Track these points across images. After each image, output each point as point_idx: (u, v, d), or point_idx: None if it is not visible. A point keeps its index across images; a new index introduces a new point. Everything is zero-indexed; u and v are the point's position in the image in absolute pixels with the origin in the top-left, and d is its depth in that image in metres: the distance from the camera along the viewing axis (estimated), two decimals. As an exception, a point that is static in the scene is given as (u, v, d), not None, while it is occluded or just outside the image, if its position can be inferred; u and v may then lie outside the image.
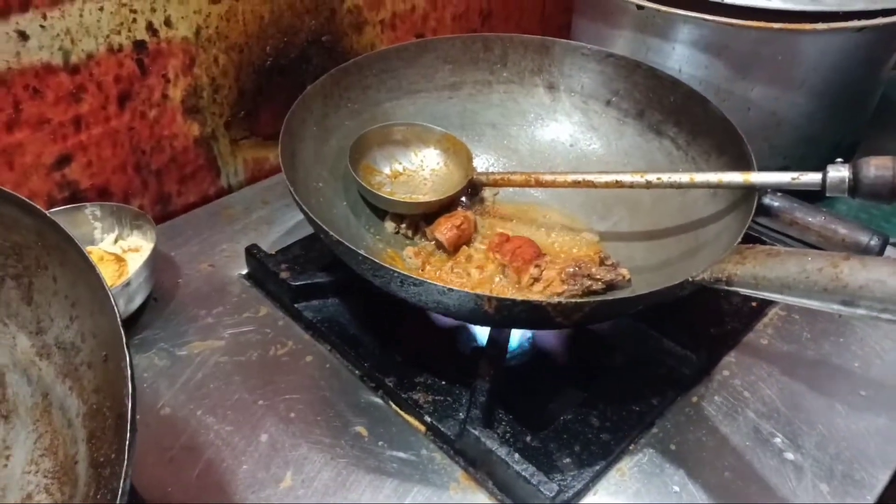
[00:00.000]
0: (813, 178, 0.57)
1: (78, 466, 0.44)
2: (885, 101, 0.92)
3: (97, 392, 0.44)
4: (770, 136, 0.84)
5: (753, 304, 0.68)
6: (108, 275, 0.65)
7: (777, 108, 0.82)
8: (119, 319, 0.39)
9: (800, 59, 0.79)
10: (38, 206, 0.43)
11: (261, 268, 0.68)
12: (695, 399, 0.59)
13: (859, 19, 0.75)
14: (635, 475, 0.53)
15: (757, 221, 0.76)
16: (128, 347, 0.38)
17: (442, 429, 0.55)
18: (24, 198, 0.44)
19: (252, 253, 0.69)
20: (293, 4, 0.80)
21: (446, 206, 0.71)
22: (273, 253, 0.71)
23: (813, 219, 0.73)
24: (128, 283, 0.62)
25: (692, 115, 0.71)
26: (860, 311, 0.43)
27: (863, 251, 0.70)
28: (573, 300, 0.50)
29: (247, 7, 0.76)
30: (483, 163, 0.79)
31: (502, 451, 0.50)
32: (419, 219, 0.71)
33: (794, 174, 0.57)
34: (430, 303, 0.53)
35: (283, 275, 0.66)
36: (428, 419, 0.56)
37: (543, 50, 0.80)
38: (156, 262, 0.67)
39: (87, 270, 0.42)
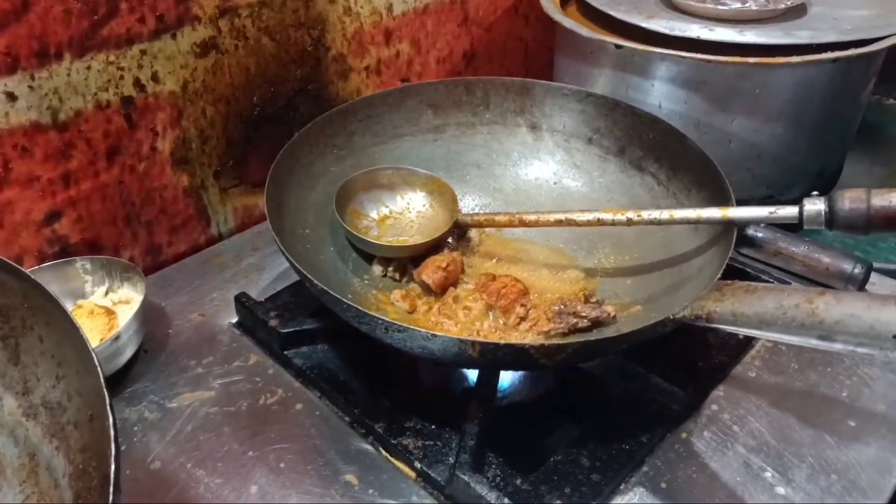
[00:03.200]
0: (790, 211, 0.57)
1: (65, 527, 0.44)
2: (865, 125, 0.93)
3: (83, 452, 0.44)
4: (752, 167, 0.85)
5: (741, 336, 0.68)
6: (99, 328, 0.66)
7: (757, 139, 0.83)
8: (102, 379, 0.40)
9: (777, 91, 0.80)
10: (22, 269, 0.44)
11: (250, 316, 0.69)
12: (684, 435, 0.59)
13: (832, 50, 0.77)
14: (626, 515, 0.53)
15: (741, 252, 0.77)
16: (111, 408, 0.39)
17: (432, 475, 0.55)
18: (8, 261, 0.44)
19: (241, 301, 0.69)
20: (279, 56, 0.81)
21: (433, 248, 0.72)
22: (262, 300, 0.71)
23: (796, 248, 0.74)
24: (117, 338, 0.62)
25: (672, 151, 0.73)
26: (837, 346, 0.44)
27: (847, 279, 0.71)
28: (555, 342, 0.50)
29: (233, 60, 0.77)
30: (469, 202, 0.80)
31: (492, 497, 0.50)
32: (406, 261, 0.72)
33: (772, 208, 0.58)
34: (416, 348, 0.53)
35: (272, 322, 0.66)
36: (418, 465, 0.56)
37: (525, 91, 0.81)
38: (146, 314, 0.67)
39: (72, 331, 0.42)
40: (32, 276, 0.44)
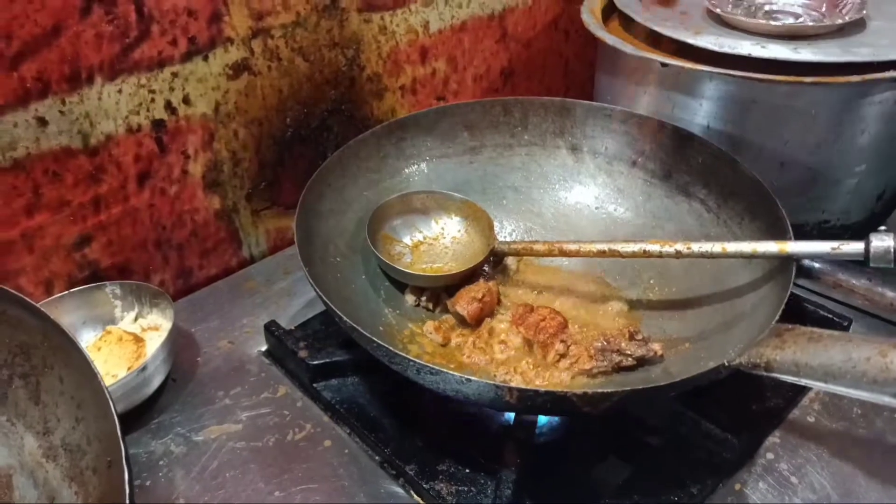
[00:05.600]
0: (855, 247, 0.53)
1: (82, 577, 0.42)
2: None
3: (102, 500, 0.42)
4: (807, 191, 0.80)
5: (797, 377, 0.63)
6: (127, 356, 0.64)
7: (812, 162, 0.78)
8: (119, 428, 0.38)
9: (834, 111, 0.75)
10: (42, 308, 0.43)
11: (279, 345, 0.67)
12: (737, 486, 0.55)
13: (894, 68, 0.72)
14: (675, 576, 0.49)
15: (798, 283, 0.73)
16: (127, 461, 0.37)
17: (466, 524, 0.52)
18: (28, 300, 0.43)
19: (271, 330, 0.67)
20: (312, 76, 0.80)
21: (468, 277, 0.69)
22: (292, 328, 0.69)
23: (857, 281, 0.70)
24: (144, 368, 0.60)
25: (721, 176, 0.69)
26: (915, 405, 0.39)
27: (914, 316, 0.66)
28: (600, 391, 0.47)
29: (265, 82, 0.76)
30: (506, 227, 0.77)
31: (529, 553, 0.47)
32: (440, 290, 0.69)
33: (835, 244, 0.54)
34: (449, 391, 0.50)
35: (302, 353, 0.64)
36: (451, 512, 0.53)
37: (565, 112, 0.78)
38: (174, 343, 0.65)
39: (90, 374, 0.41)
40: (52, 313, 0.42)
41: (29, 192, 0.64)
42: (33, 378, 0.46)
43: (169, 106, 0.70)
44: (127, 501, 0.35)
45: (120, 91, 0.66)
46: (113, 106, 0.66)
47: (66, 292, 0.67)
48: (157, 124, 0.70)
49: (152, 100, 0.69)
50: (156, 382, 0.64)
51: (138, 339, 0.66)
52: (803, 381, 0.44)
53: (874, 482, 0.55)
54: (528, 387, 0.55)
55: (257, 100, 0.76)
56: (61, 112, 0.63)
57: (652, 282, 0.70)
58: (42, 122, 0.63)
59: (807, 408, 0.61)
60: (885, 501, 0.53)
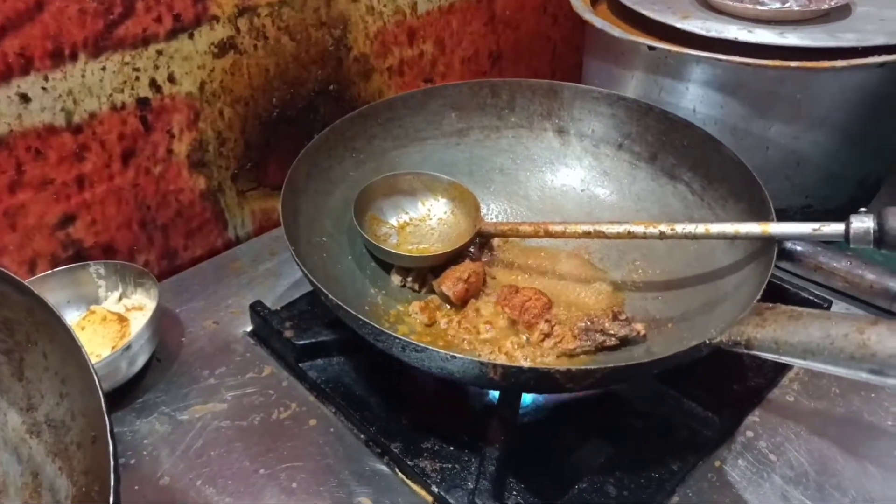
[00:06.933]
0: (835, 228, 0.54)
1: (66, 552, 0.43)
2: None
3: (86, 474, 0.42)
4: (791, 175, 0.81)
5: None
6: (111, 336, 0.64)
7: (797, 146, 0.79)
8: (104, 403, 0.38)
9: (819, 96, 0.76)
10: (26, 283, 0.42)
11: (265, 326, 0.67)
12: (717, 463, 0.56)
13: (880, 54, 0.73)
14: (655, 550, 0.50)
15: (779, 266, 0.74)
16: (112, 435, 0.37)
17: (450, 500, 0.52)
18: (12, 274, 0.43)
19: (256, 310, 0.67)
20: (299, 56, 0.79)
21: (454, 258, 0.69)
22: (278, 309, 0.69)
23: (838, 264, 0.70)
24: (128, 347, 0.60)
25: (707, 159, 0.69)
26: (890, 381, 0.40)
27: (892, 298, 0.67)
28: (583, 367, 0.47)
29: (251, 61, 0.75)
30: (492, 209, 0.78)
31: (512, 528, 0.48)
32: (426, 271, 0.69)
33: (816, 225, 0.55)
34: (434, 368, 0.51)
35: (287, 333, 0.64)
36: (435, 489, 0.53)
37: (552, 94, 0.78)
38: (159, 322, 0.65)
39: (75, 349, 0.41)
40: (36, 292, 0.42)
41: (12, 170, 0.63)
42: (17, 354, 0.45)
43: (154, 84, 0.70)
44: (112, 476, 0.35)
45: (104, 68, 0.65)
46: (97, 83, 0.66)
47: (50, 272, 0.67)
48: (142, 103, 0.69)
49: (137, 78, 0.68)
50: (140, 362, 0.63)
51: (122, 319, 0.66)
52: (783, 359, 0.45)
53: (851, 460, 0.56)
54: (512, 363, 0.55)
55: (243, 79, 0.76)
56: (44, 89, 0.63)
57: (636, 263, 0.70)
58: (25, 98, 0.62)
59: (786, 387, 0.62)
60: (862, 478, 0.54)
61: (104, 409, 0.37)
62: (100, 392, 0.38)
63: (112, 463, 0.35)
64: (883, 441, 0.57)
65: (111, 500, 0.34)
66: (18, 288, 0.43)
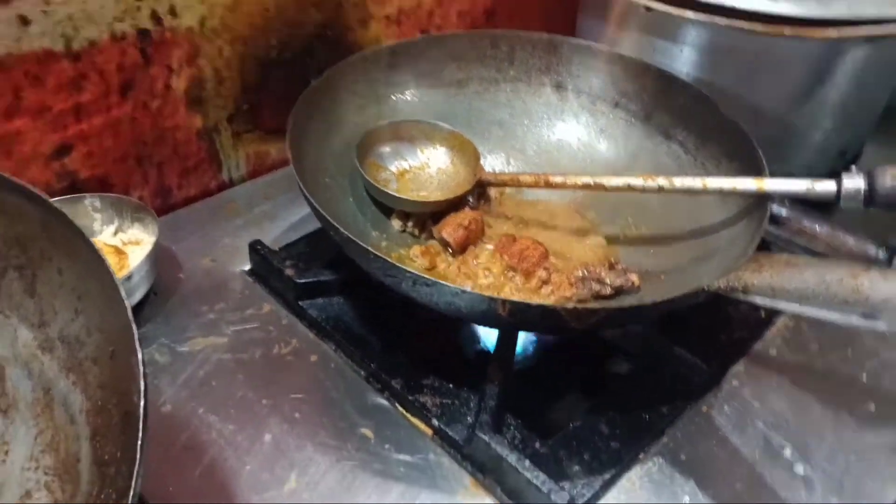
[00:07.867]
0: (827, 186, 0.56)
1: (80, 464, 0.43)
2: (885, 107, 0.91)
3: (103, 388, 0.43)
4: (776, 143, 0.83)
5: (762, 313, 0.67)
6: (108, 268, 0.64)
7: (784, 114, 0.81)
8: (130, 314, 0.38)
9: (808, 65, 0.78)
10: (44, 196, 0.42)
11: (265, 264, 0.67)
12: (704, 408, 0.58)
13: (870, 25, 0.75)
14: (646, 485, 0.52)
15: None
16: (139, 344, 0.37)
17: (450, 433, 0.54)
18: (29, 186, 0.42)
19: (256, 249, 0.67)
20: (300, -4, 0.78)
21: (454, 206, 0.70)
22: (277, 249, 0.69)
23: (821, 228, 0.73)
24: (129, 277, 0.60)
25: (702, 119, 0.71)
26: (881, 325, 0.43)
27: (871, 261, 0.70)
28: (588, 306, 0.49)
29: (253, -2, 0.74)
30: (490, 162, 0.78)
31: (513, 458, 0.49)
32: (426, 217, 0.70)
33: (809, 182, 0.57)
34: (442, 304, 0.52)
35: (288, 272, 0.65)
36: (436, 423, 0.55)
37: (552, 49, 0.79)
38: (158, 255, 0.65)
39: (97, 264, 0.41)
40: (56, 206, 0.42)
41: (9, 94, 0.62)
42: (29, 270, 0.45)
43: (154, 15, 0.68)
44: (141, 385, 0.36)
45: (106, -6, 0.64)
46: (98, 10, 0.64)
47: (52, 202, 0.65)
48: (142, 34, 0.68)
49: (138, 8, 0.67)
50: (139, 294, 0.63)
51: (120, 252, 0.66)
52: (780, 304, 0.47)
53: (827, 409, 0.59)
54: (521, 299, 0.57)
55: (243, 16, 0.75)
56: (44, 12, 0.61)
57: (630, 219, 0.72)
58: (24, 20, 0.60)
59: (769, 342, 0.65)
60: (837, 425, 0.57)
61: (131, 319, 0.37)
62: (125, 304, 0.38)
63: (141, 369, 0.36)
64: (858, 394, 0.60)
65: (142, 403, 0.35)
66: (34, 200, 0.43)
